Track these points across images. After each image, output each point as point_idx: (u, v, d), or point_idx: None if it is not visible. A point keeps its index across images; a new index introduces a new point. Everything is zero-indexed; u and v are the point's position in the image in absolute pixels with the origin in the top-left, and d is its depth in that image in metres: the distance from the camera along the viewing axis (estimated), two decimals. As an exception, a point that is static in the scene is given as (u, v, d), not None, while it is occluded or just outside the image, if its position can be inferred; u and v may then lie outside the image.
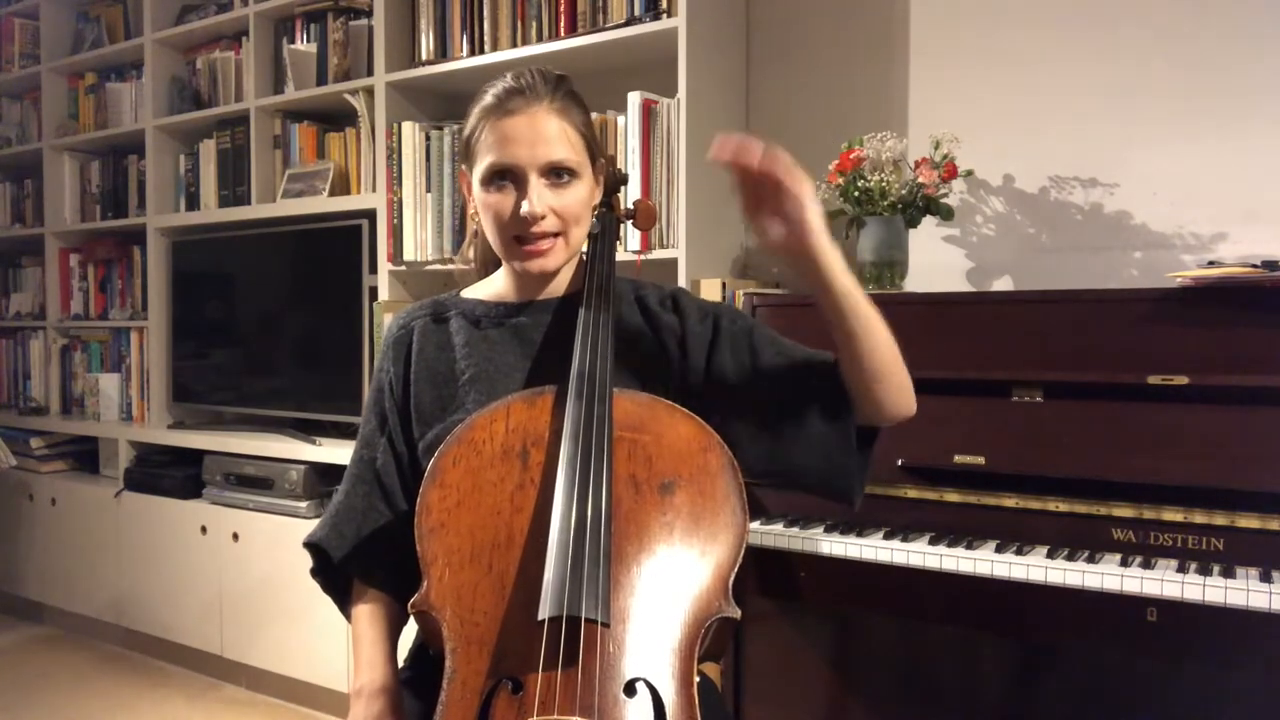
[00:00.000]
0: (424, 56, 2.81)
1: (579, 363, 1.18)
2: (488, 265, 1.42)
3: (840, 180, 2.07)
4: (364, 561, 1.30)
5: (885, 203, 2.03)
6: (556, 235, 1.23)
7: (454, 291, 1.39)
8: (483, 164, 1.22)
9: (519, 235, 1.23)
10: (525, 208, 1.20)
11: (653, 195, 2.33)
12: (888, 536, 1.61)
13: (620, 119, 2.38)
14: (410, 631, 1.32)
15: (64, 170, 3.88)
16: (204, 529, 3.11)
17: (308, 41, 3.10)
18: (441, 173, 2.71)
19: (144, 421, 3.57)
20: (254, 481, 3.00)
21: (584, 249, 1.34)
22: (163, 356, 3.52)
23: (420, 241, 2.75)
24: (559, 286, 1.33)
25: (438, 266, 2.72)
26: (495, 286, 1.36)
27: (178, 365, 3.50)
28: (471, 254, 1.45)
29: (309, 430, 3.07)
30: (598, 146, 1.30)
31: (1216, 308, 1.56)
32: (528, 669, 1.00)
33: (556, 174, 1.22)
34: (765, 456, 1.26)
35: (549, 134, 1.21)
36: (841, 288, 1.15)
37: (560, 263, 1.27)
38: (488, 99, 1.24)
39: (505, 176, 1.22)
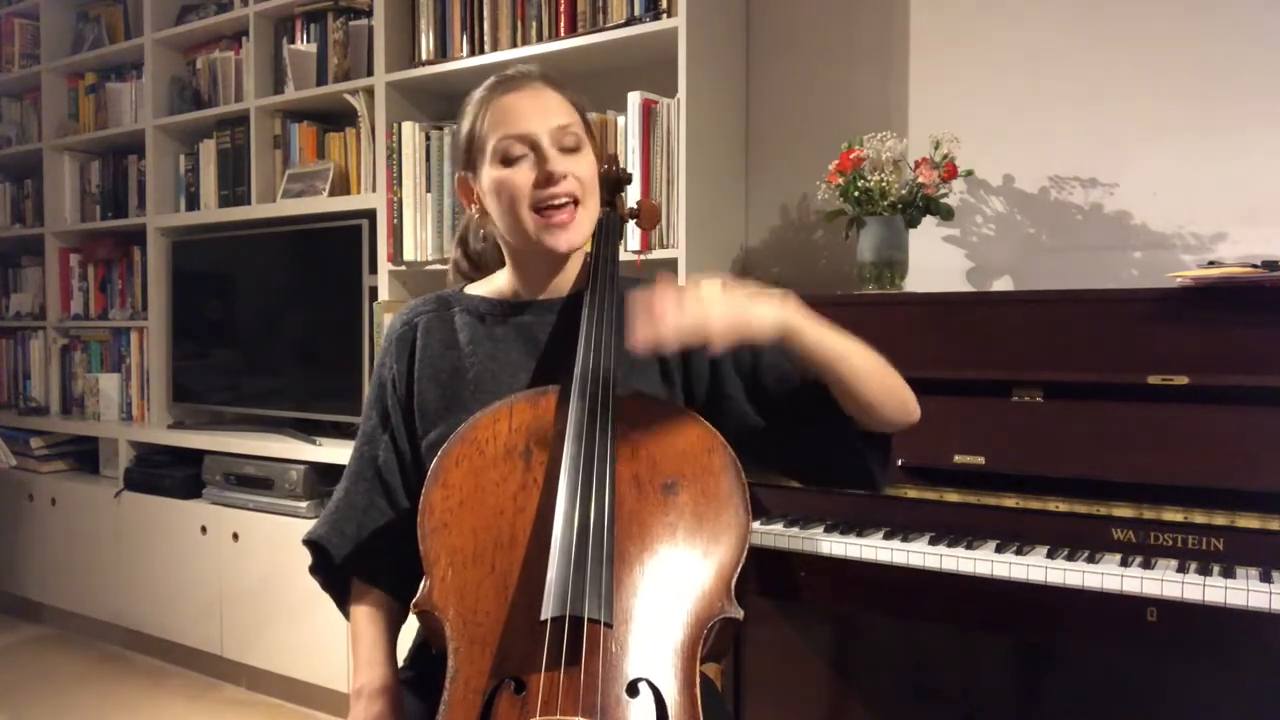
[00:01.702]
0: (424, 56, 2.81)
1: (582, 362, 1.18)
2: (479, 267, 1.42)
3: (840, 180, 2.07)
4: (364, 560, 1.30)
5: (885, 203, 2.04)
6: (576, 203, 1.24)
7: (458, 287, 1.39)
8: (494, 142, 1.23)
9: (543, 206, 1.22)
10: (551, 165, 1.21)
11: (653, 195, 2.33)
12: (888, 536, 1.61)
13: (620, 119, 2.39)
14: (410, 631, 1.33)
15: (64, 170, 3.88)
16: (204, 529, 3.11)
17: (308, 41, 3.10)
18: (441, 173, 2.71)
19: (144, 421, 3.57)
20: (254, 481, 3.00)
21: (588, 249, 1.34)
22: (163, 356, 3.52)
23: (420, 241, 2.75)
24: (563, 285, 1.33)
25: (438, 266, 2.72)
26: (499, 284, 1.36)
27: (178, 365, 3.50)
28: (459, 253, 1.44)
29: (309, 430, 3.07)
30: (591, 127, 1.32)
31: (1216, 308, 1.56)
32: (530, 669, 1.00)
33: (565, 142, 1.24)
34: (779, 457, 1.30)
35: (553, 104, 1.25)
36: (809, 341, 1.16)
37: (584, 237, 1.27)
38: (480, 93, 1.28)
39: (519, 149, 1.22)
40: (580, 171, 1.24)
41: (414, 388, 1.31)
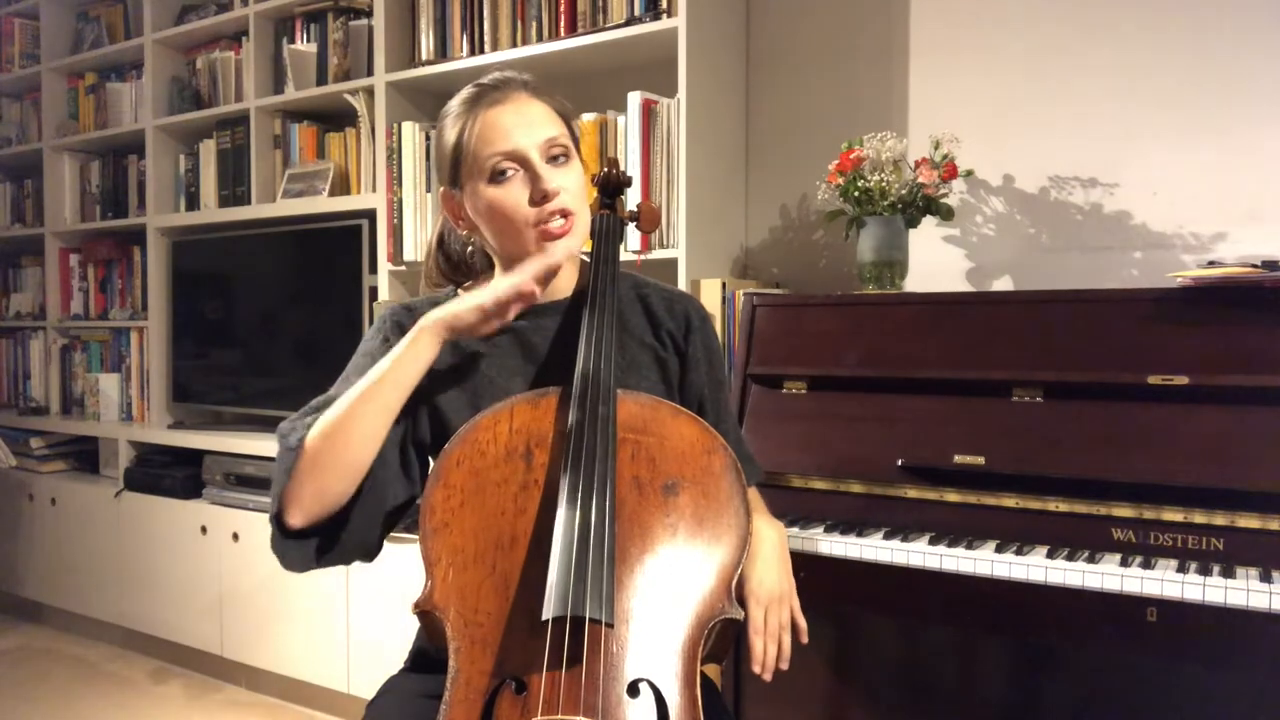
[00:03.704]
0: (424, 56, 2.81)
1: (583, 364, 1.18)
2: (460, 270, 1.40)
3: (840, 180, 2.07)
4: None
5: (885, 203, 2.04)
6: (570, 215, 1.23)
7: (450, 289, 1.38)
8: (481, 160, 1.21)
9: (539, 221, 1.21)
10: (546, 184, 1.20)
11: (653, 195, 2.33)
12: (888, 536, 1.61)
13: (620, 119, 2.39)
14: (410, 634, 1.33)
15: (64, 170, 3.88)
16: (204, 529, 3.11)
17: (308, 41, 3.10)
18: (442, 173, 2.71)
19: (144, 421, 3.57)
20: (254, 481, 3.00)
21: (586, 251, 1.34)
22: (163, 356, 3.52)
23: (420, 241, 2.75)
24: (560, 289, 1.32)
25: (438, 266, 2.72)
26: None
27: (178, 365, 3.50)
28: (438, 255, 1.42)
29: (309, 430, 3.07)
30: (576, 131, 1.31)
31: (1216, 308, 1.56)
32: (531, 669, 1.01)
33: (554, 154, 1.23)
34: None
35: (539, 116, 1.23)
36: None
37: (580, 244, 1.27)
38: (461, 105, 1.25)
39: (509, 167, 1.21)
40: (571, 184, 1.23)
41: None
